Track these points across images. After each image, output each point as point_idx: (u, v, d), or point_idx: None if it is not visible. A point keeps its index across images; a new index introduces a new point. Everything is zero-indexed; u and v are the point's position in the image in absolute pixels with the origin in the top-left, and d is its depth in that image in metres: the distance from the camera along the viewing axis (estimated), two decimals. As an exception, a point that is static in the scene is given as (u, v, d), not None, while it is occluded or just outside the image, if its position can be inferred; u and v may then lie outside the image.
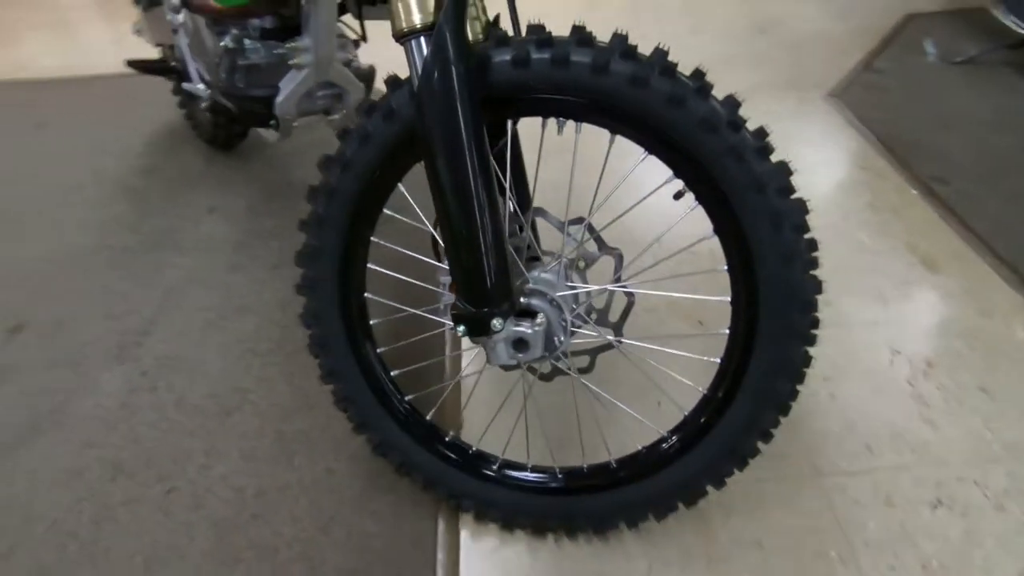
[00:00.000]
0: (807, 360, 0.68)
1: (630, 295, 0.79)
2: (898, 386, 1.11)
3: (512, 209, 0.76)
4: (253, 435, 1.08)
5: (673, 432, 0.81)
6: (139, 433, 1.09)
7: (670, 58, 0.61)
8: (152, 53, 1.82)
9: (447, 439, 0.90)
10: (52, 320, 1.33)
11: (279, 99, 1.13)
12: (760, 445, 0.74)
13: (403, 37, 0.62)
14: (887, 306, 1.27)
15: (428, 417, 0.91)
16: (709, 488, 0.78)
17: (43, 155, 1.95)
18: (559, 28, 0.65)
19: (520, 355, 0.70)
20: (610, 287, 0.78)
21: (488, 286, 0.66)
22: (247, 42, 1.20)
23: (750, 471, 0.78)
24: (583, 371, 0.84)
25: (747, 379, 0.69)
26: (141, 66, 1.67)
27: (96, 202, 1.72)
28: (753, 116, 0.64)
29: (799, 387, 0.70)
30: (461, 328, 0.69)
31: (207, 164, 1.86)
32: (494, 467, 0.89)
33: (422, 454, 0.89)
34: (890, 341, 1.19)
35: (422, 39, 0.61)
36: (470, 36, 0.62)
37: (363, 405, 0.88)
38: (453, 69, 0.58)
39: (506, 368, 0.79)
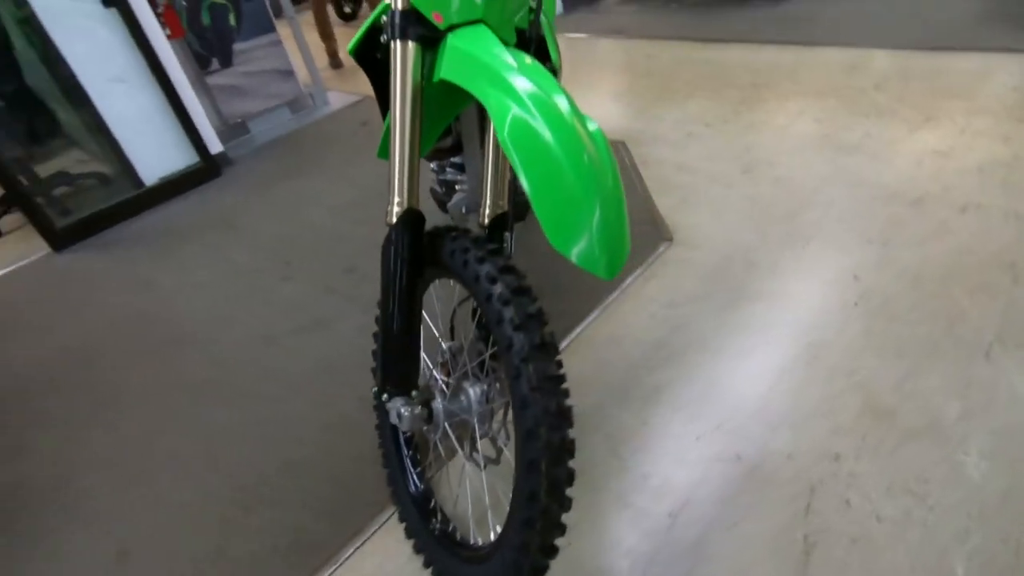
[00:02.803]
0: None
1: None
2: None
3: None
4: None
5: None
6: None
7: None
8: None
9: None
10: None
11: (449, 204, 1.54)
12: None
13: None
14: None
15: None
16: None
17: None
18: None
19: (403, 426, 0.95)
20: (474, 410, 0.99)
21: (389, 375, 0.94)
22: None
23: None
24: (491, 461, 1.03)
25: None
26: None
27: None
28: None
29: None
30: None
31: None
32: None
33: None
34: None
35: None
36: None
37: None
38: (396, 249, 0.89)
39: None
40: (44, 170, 3.02)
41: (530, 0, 0.95)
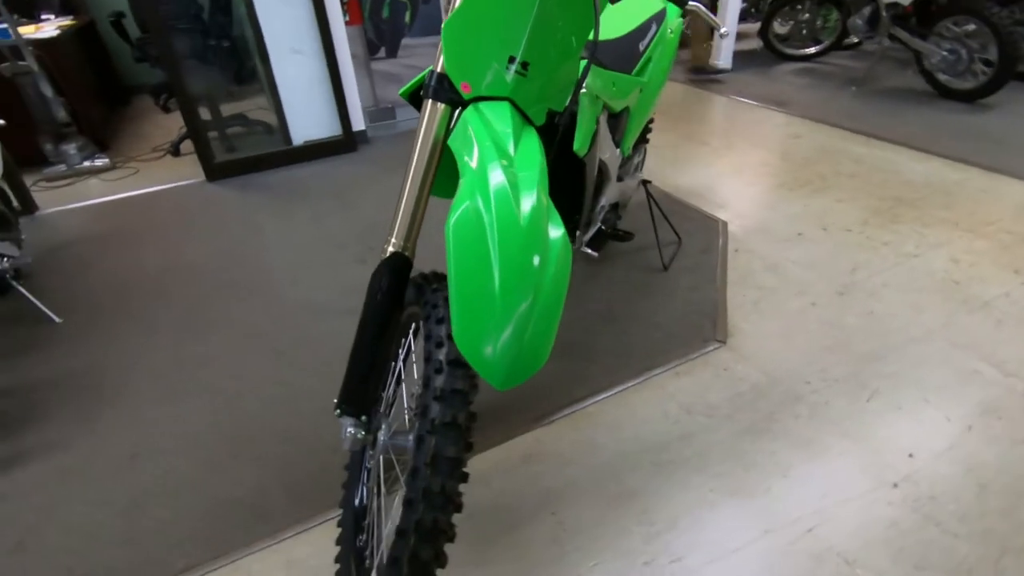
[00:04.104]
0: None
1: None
2: None
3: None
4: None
5: None
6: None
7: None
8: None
9: None
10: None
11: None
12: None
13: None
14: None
15: None
16: None
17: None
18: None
19: (344, 444, 1.00)
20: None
21: (347, 394, 0.98)
22: None
23: None
24: None
25: None
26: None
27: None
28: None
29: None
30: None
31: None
32: None
33: None
34: None
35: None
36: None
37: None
38: (373, 287, 0.94)
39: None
40: (228, 110, 3.55)
41: (570, 88, 0.95)
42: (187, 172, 3.22)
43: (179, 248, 2.44)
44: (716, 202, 2.52)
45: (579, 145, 1.00)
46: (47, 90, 3.21)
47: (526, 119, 0.91)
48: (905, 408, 1.46)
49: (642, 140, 2.10)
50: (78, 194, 3.09)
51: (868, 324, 1.75)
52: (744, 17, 4.74)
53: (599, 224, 1.61)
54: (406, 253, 0.95)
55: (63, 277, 2.28)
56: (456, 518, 0.84)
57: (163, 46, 2.75)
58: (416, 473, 0.78)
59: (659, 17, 1.55)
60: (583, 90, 1.04)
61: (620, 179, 1.71)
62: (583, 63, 0.95)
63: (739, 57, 4.60)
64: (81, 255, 2.45)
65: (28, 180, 3.12)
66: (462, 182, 0.80)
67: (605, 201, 1.56)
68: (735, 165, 2.87)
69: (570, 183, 1.19)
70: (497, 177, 0.77)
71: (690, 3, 0.99)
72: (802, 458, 1.35)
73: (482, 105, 0.87)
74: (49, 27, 3.63)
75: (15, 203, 2.36)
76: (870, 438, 1.39)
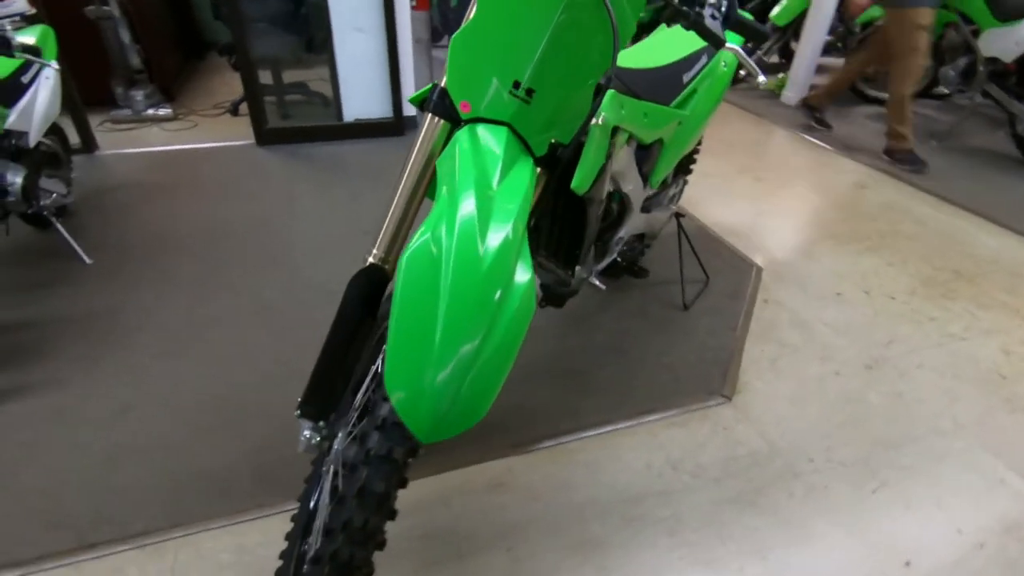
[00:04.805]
0: None
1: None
2: None
3: None
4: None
5: None
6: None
7: None
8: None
9: None
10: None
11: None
12: None
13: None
14: None
15: None
16: None
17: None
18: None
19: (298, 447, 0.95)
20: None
21: (308, 397, 0.92)
22: None
23: None
24: None
25: None
26: None
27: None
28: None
29: None
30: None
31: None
32: None
33: None
34: None
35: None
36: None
37: None
38: (346, 297, 0.90)
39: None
40: (293, 76, 3.62)
41: (579, 121, 0.89)
42: (240, 133, 3.30)
43: (215, 207, 2.50)
44: (755, 244, 2.39)
45: (578, 182, 0.94)
46: (125, 36, 3.34)
47: (526, 147, 0.86)
48: (913, 508, 1.34)
49: (683, 171, 2.01)
50: (137, 140, 3.22)
51: (892, 406, 1.62)
52: (828, 51, 4.49)
53: (615, 256, 1.54)
54: (386, 266, 0.92)
55: (103, 219, 2.38)
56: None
57: (231, 5, 2.81)
58: (342, 502, 0.75)
59: (712, 49, 1.46)
60: (598, 121, 0.97)
61: (647, 210, 1.63)
62: (611, 93, 0.89)
63: (816, 92, 4.36)
64: (124, 200, 2.54)
65: (95, 120, 3.27)
66: (433, 209, 0.75)
67: (624, 233, 1.49)
68: (785, 207, 2.72)
69: (574, 215, 1.13)
70: (467, 208, 0.72)
71: (728, 45, 0.91)
72: (785, 541, 1.25)
73: (479, 127, 0.83)
74: (138, -24, 3.78)
75: (71, 141, 2.46)
76: (866, 534, 1.28)
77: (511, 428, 1.49)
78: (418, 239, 0.72)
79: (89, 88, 3.31)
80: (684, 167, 2.01)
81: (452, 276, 0.68)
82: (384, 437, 0.76)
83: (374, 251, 0.92)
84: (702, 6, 0.88)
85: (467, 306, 0.68)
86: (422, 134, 0.89)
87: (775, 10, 4.29)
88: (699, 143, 1.99)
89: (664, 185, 1.88)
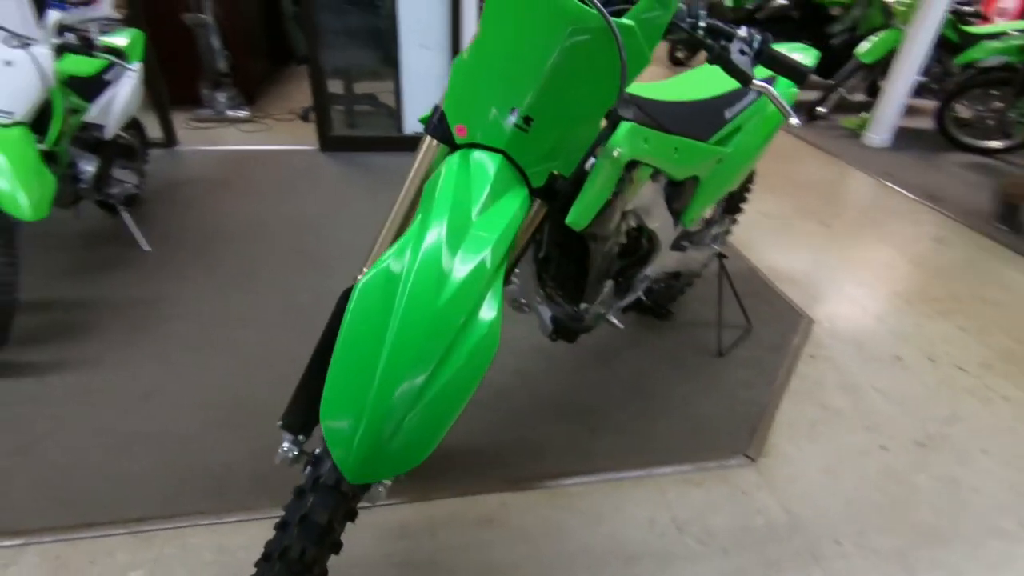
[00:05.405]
0: None
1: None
2: None
3: None
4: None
5: None
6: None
7: None
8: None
9: None
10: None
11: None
12: None
13: None
14: None
15: None
16: None
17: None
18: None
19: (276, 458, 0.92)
20: None
21: (291, 409, 0.92)
22: None
23: None
24: None
25: None
26: None
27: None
28: None
29: None
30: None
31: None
32: None
33: None
34: None
35: None
36: None
37: None
38: (333, 315, 0.84)
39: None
40: (365, 88, 3.76)
41: (581, 153, 0.84)
42: (307, 138, 3.45)
43: (268, 207, 2.61)
44: (810, 294, 2.22)
45: (574, 217, 0.88)
46: (216, 42, 3.59)
47: (523, 176, 0.81)
48: (953, 616, 1.17)
49: (731, 211, 1.90)
50: (214, 138, 3.43)
51: (943, 492, 1.44)
52: (920, 92, 4.18)
53: (639, 293, 1.46)
54: None
55: (168, 210, 2.53)
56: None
57: (306, 17, 2.96)
58: (284, 527, 0.73)
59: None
60: (615, 154, 0.92)
61: (682, 249, 1.55)
62: (630, 125, 0.83)
63: (904, 135, 4.06)
64: (191, 193, 2.70)
65: (181, 117, 3.52)
66: (403, 236, 0.73)
67: (651, 271, 1.41)
68: (850, 257, 2.52)
69: (581, 249, 1.07)
70: (436, 235, 0.69)
71: (755, 82, 0.83)
72: (793, 633, 1.12)
73: (473, 153, 0.80)
74: (235, -13, 4.06)
75: (155, 136, 2.64)
76: (891, 639, 1.12)
77: (510, 461, 1.43)
78: (378, 265, 0.69)
79: (179, 88, 3.57)
80: (733, 207, 1.90)
81: (405, 306, 0.65)
82: (334, 466, 0.73)
83: (364, 269, 0.90)
84: (729, 40, 0.82)
85: (416, 339, 0.64)
86: (419, 157, 0.87)
87: (863, 46, 4.05)
88: (750, 182, 1.88)
89: (706, 223, 1.78)
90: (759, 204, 2.96)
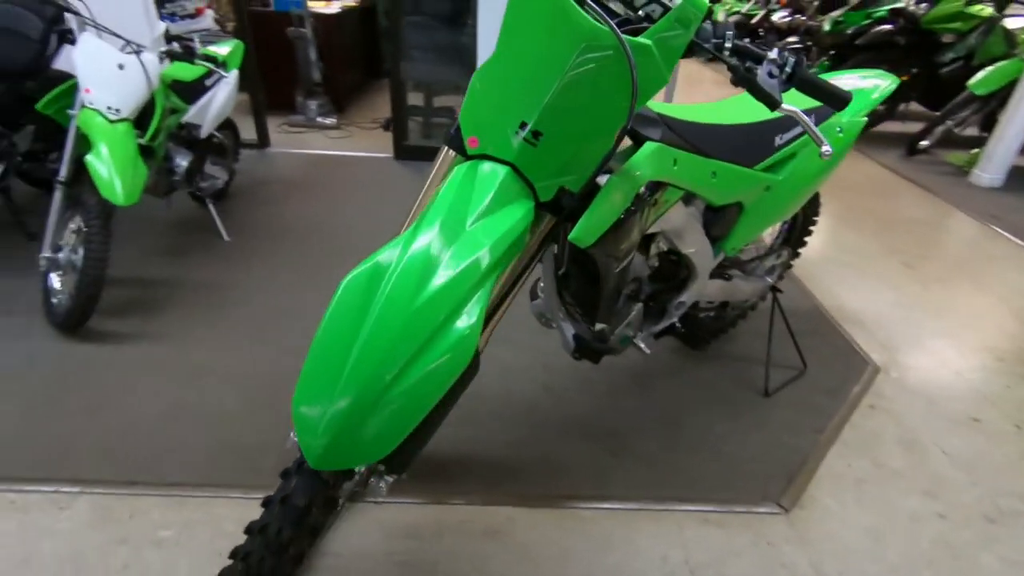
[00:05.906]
0: None
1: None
2: None
3: None
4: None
5: None
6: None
7: None
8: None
9: None
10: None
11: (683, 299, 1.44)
12: None
13: None
14: None
15: None
16: None
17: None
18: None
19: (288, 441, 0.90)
20: None
21: None
22: None
23: None
24: None
25: None
26: None
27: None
28: None
29: None
30: None
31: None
32: None
33: None
34: None
35: None
36: None
37: None
38: None
39: None
40: (446, 102, 3.91)
41: (591, 169, 0.83)
42: (385, 146, 3.63)
43: (337, 209, 2.77)
44: (879, 339, 2.04)
45: (578, 234, 0.87)
46: (312, 55, 3.88)
47: (531, 190, 0.82)
48: None
49: (794, 242, 1.79)
50: (303, 142, 3.69)
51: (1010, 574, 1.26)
52: (1044, 129, 3.75)
53: (674, 320, 1.41)
54: None
55: (252, 205, 2.75)
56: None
57: (392, 32, 3.13)
58: (267, 506, 0.76)
59: (823, 112, 1.28)
60: (637, 173, 0.90)
61: (727, 278, 1.48)
62: (656, 145, 0.82)
63: (1018, 175, 3.66)
64: (274, 192, 2.92)
65: (275, 122, 3.82)
66: (397, 237, 0.75)
67: (687, 298, 1.36)
68: (934, 303, 2.30)
69: (595, 268, 1.06)
70: (425, 240, 0.71)
71: (784, 106, 0.79)
72: None
73: (483, 164, 0.81)
74: (336, 4, 4.38)
75: (250, 138, 2.88)
76: None
77: (526, 476, 1.42)
78: (364, 265, 0.72)
79: (276, 94, 3.89)
80: (795, 239, 1.80)
81: (383, 303, 0.67)
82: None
83: None
84: (758, 62, 0.78)
85: (389, 337, 0.66)
86: (436, 166, 0.89)
87: (976, 77, 3.71)
88: (815, 214, 1.77)
89: (759, 253, 1.69)
90: (835, 238, 2.77)
